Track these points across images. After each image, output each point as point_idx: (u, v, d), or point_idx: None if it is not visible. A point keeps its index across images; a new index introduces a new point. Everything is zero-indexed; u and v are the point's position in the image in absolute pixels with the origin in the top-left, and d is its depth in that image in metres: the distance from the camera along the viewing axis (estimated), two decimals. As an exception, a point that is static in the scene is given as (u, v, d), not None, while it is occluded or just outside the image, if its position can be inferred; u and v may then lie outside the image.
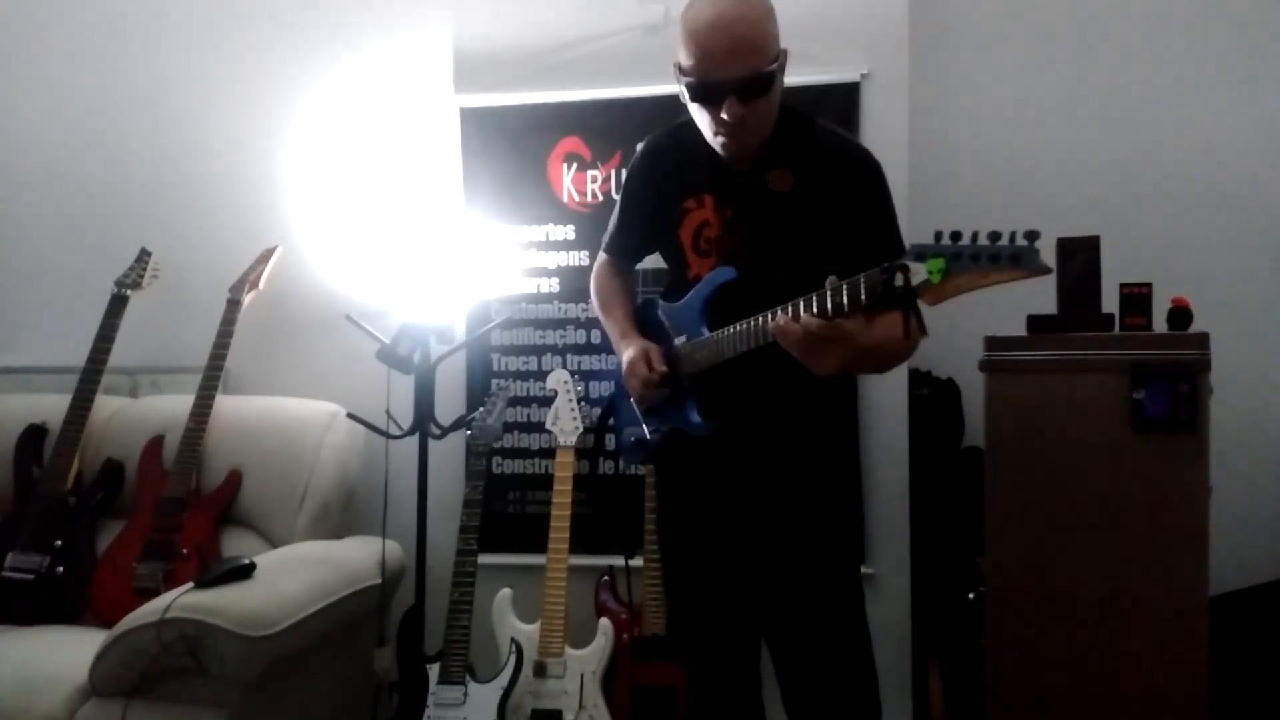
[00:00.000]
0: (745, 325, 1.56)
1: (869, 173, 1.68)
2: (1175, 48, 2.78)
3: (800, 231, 1.65)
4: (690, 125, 1.73)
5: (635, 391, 1.77)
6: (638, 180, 1.86)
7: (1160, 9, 2.79)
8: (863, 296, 1.33)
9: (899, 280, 1.25)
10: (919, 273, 1.23)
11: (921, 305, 1.31)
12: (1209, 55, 2.76)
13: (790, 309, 1.45)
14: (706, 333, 1.67)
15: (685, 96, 1.63)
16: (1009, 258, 1.18)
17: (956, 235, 1.22)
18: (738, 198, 1.70)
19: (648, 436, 1.78)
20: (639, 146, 1.88)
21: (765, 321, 1.50)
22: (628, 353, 1.78)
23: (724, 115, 1.57)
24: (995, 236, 1.19)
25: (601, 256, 2.00)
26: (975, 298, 1.30)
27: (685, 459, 1.79)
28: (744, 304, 1.58)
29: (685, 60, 1.60)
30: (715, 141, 1.65)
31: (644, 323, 1.87)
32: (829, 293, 1.38)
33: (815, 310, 1.40)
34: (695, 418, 1.69)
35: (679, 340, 1.74)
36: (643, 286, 2.15)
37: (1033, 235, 1.18)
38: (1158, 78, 2.78)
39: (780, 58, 1.60)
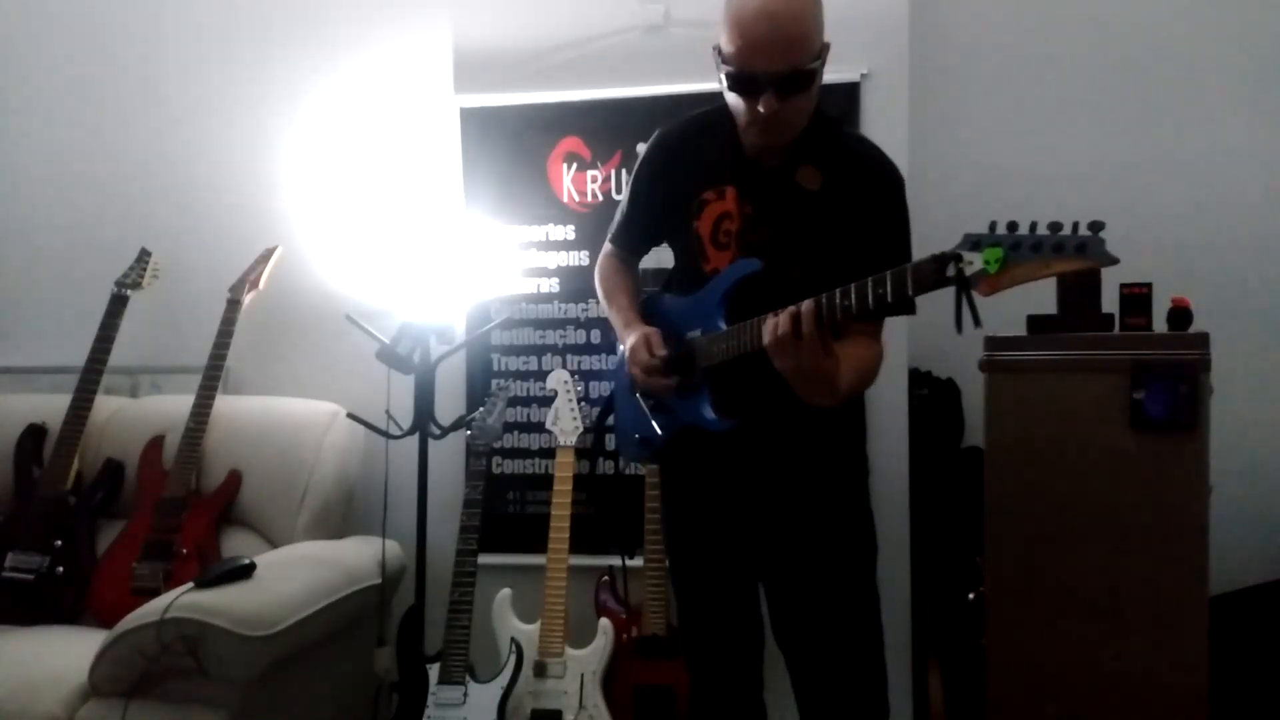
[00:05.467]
0: (771, 319, 1.51)
1: (893, 183, 1.67)
2: (1177, 47, 2.78)
3: (826, 231, 1.63)
4: (708, 117, 1.72)
5: (639, 380, 1.72)
6: (650, 170, 1.82)
7: (1161, 12, 2.79)
8: (909, 287, 1.32)
9: (951, 270, 1.25)
10: (974, 262, 1.23)
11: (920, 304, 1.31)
12: (1210, 54, 2.76)
13: (826, 299, 1.43)
14: (724, 325, 1.63)
15: (722, 83, 1.60)
16: (1074, 248, 1.17)
17: (1013, 226, 1.22)
18: (763, 192, 1.67)
19: (659, 433, 1.72)
20: (652, 137, 1.84)
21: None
22: (630, 339, 1.74)
23: (760, 109, 1.54)
24: (1056, 227, 1.19)
25: (607, 247, 1.97)
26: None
27: (692, 457, 1.77)
28: (760, 299, 1.56)
29: (726, 46, 1.56)
30: (748, 131, 1.63)
31: (648, 318, 1.83)
32: (870, 284, 1.36)
33: (854, 301, 1.39)
34: (710, 414, 1.64)
35: (692, 334, 1.69)
36: (641, 286, 2.14)
37: (1097, 226, 1.18)
38: (1158, 78, 2.78)
39: (823, 53, 1.57)
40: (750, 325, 1.55)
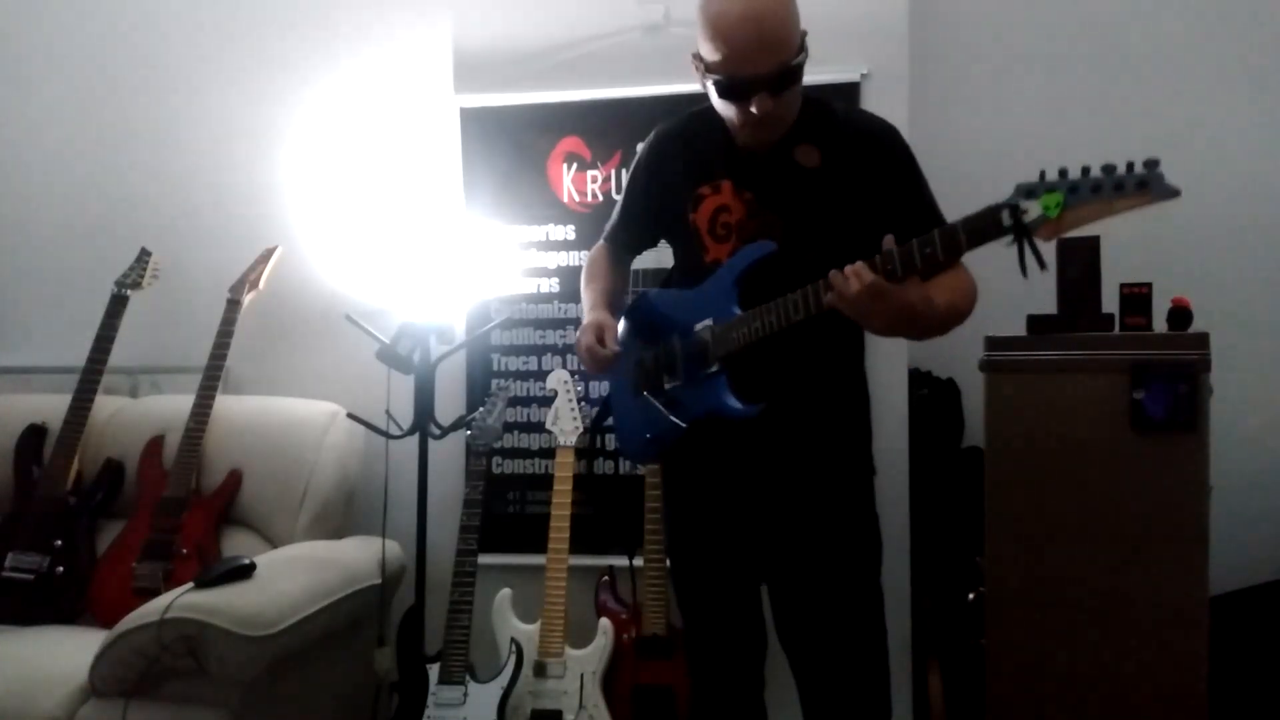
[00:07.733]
0: (799, 294, 1.49)
1: (896, 145, 1.67)
2: (1177, 46, 2.77)
3: (832, 206, 1.62)
4: (700, 114, 1.71)
5: (584, 361, 1.75)
6: (645, 167, 1.83)
7: (1160, 9, 2.79)
8: (963, 242, 1.29)
9: (1007, 219, 1.23)
10: (1032, 209, 1.22)
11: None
12: (1211, 53, 2.76)
13: (880, 258, 1.40)
14: (738, 311, 1.60)
15: (710, 92, 1.59)
16: (1136, 185, 1.17)
17: (1064, 172, 1.22)
18: (762, 179, 1.66)
19: (682, 425, 1.67)
20: (647, 139, 1.85)
21: (816, 292, 1.47)
22: (584, 321, 1.77)
23: (754, 110, 1.54)
24: (1110, 169, 1.19)
25: (599, 244, 1.98)
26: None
27: (696, 457, 1.76)
28: (773, 282, 1.55)
29: (709, 55, 1.55)
30: (742, 132, 1.62)
31: (646, 317, 1.81)
32: (916, 245, 1.35)
33: (900, 264, 1.37)
34: (734, 402, 1.60)
35: (703, 324, 1.66)
36: (641, 287, 2.15)
37: (1152, 162, 1.17)
38: (1159, 77, 2.78)
39: (804, 42, 1.56)
40: (773, 307, 1.54)
